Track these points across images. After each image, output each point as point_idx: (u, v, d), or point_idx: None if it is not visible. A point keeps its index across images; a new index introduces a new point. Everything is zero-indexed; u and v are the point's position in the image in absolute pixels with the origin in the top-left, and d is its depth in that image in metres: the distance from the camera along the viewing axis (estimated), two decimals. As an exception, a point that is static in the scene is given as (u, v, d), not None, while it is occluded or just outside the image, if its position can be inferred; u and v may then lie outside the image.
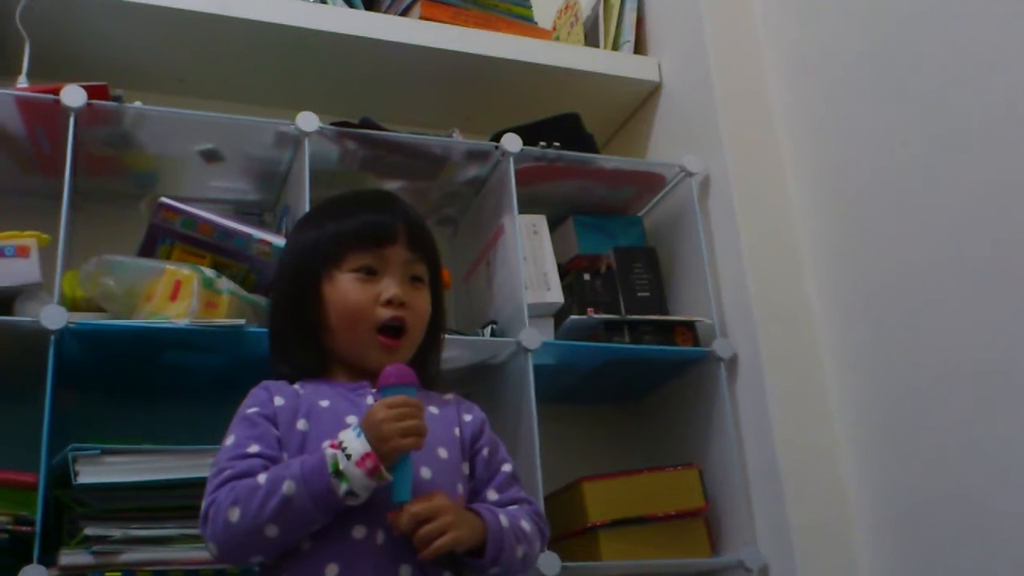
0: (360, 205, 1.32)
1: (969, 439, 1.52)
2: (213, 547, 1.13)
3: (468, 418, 1.31)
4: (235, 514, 1.10)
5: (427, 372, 1.32)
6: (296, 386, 1.25)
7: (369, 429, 1.10)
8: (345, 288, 1.25)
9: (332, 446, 1.11)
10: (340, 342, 1.27)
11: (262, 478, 1.11)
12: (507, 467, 1.29)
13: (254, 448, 1.16)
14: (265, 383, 1.26)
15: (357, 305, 1.25)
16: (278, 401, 1.22)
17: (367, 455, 1.08)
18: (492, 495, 1.25)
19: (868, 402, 1.73)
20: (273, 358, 1.32)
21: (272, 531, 1.09)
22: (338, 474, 1.08)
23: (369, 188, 1.43)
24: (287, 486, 1.08)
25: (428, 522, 1.11)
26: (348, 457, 1.08)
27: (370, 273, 1.26)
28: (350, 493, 1.08)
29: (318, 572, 1.11)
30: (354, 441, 1.10)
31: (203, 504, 1.14)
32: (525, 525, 1.21)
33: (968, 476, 1.52)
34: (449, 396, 1.34)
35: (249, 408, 1.21)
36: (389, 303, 1.25)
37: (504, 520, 1.19)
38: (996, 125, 1.50)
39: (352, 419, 1.19)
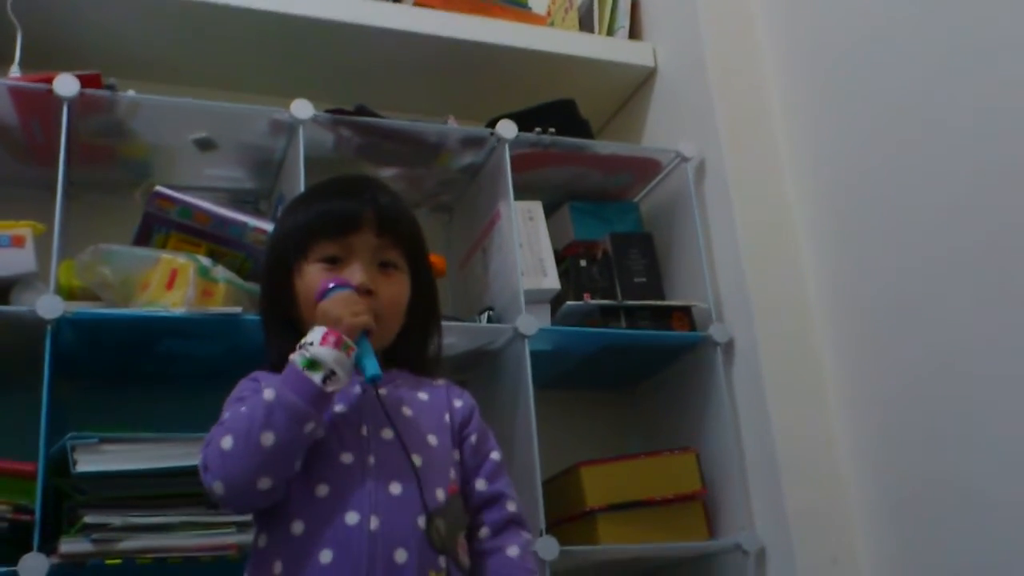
0: (328, 194, 1.30)
1: (966, 424, 1.52)
2: (219, 486, 1.11)
3: (458, 404, 1.30)
4: (228, 441, 1.10)
5: (417, 358, 1.32)
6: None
7: (320, 319, 1.15)
8: (310, 279, 1.23)
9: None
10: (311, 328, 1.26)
11: (244, 406, 1.14)
12: (495, 455, 1.29)
13: None
14: (254, 374, 1.26)
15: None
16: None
17: (327, 333, 1.12)
18: (481, 484, 1.26)
19: (864, 386, 1.73)
20: (266, 348, 1.32)
21: (268, 439, 1.08)
22: (310, 366, 1.11)
23: (347, 174, 1.40)
24: (267, 393, 1.11)
25: None
26: (312, 345, 1.12)
27: (334, 262, 1.24)
28: (328, 377, 1.11)
29: (312, 558, 1.11)
30: (312, 334, 1.14)
31: (201, 456, 1.14)
32: (530, 565, 1.25)
33: (964, 461, 1.52)
34: (440, 382, 1.33)
35: (242, 393, 1.22)
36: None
37: (513, 552, 1.23)
38: (994, 113, 1.49)
39: (340, 407, 1.20)
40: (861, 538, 1.71)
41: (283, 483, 1.12)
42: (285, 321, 1.27)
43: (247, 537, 1.41)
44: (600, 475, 1.76)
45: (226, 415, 1.18)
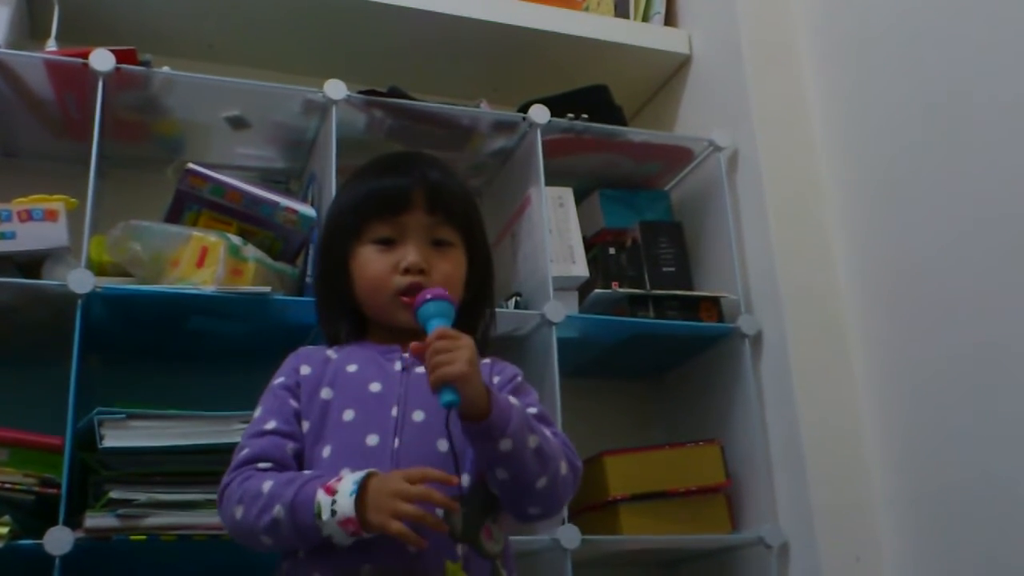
0: (377, 172, 1.31)
1: (996, 421, 1.50)
2: (226, 528, 1.16)
3: (496, 380, 1.27)
4: (239, 513, 1.12)
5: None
6: (330, 351, 1.26)
7: (371, 494, 1.06)
8: (365, 260, 1.25)
9: (326, 489, 1.07)
10: (369, 309, 1.28)
11: (266, 486, 1.11)
12: (532, 410, 1.21)
13: (271, 424, 1.18)
14: (300, 350, 1.27)
15: (376, 276, 1.24)
16: (304, 370, 1.23)
17: (349, 520, 1.05)
18: None
19: (893, 380, 1.72)
20: (319, 322, 1.34)
21: (267, 540, 1.11)
22: (321, 519, 1.06)
23: (396, 151, 1.39)
24: (277, 510, 1.08)
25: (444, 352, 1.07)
26: (333, 513, 1.06)
27: (388, 243, 1.25)
28: (331, 537, 1.07)
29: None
30: (345, 499, 1.06)
31: (223, 480, 1.16)
32: (545, 430, 1.16)
33: (993, 459, 1.51)
34: (485, 360, 1.28)
35: (277, 379, 1.23)
36: (407, 271, 1.23)
37: (514, 400, 1.14)
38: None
39: (375, 387, 1.19)
40: (886, 535, 1.69)
41: None
42: (339, 300, 1.29)
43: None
44: (624, 465, 1.75)
45: (257, 412, 1.21)
